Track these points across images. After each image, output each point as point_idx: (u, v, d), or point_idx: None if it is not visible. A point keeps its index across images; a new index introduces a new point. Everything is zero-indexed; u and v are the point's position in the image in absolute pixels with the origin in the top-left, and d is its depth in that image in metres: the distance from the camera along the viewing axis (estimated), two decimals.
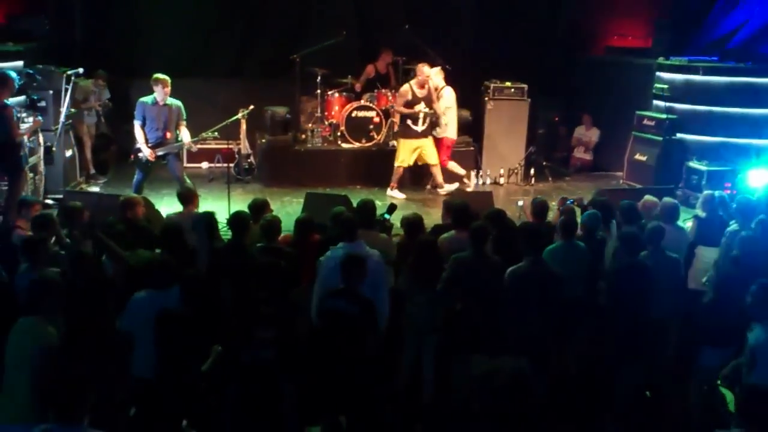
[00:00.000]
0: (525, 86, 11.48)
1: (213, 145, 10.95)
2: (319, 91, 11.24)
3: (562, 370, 5.77)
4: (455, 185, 10.52)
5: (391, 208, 7.13)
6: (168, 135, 8.71)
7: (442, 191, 10.37)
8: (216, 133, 9.11)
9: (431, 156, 10.33)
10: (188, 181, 8.85)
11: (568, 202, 7.68)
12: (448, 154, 10.68)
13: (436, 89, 10.46)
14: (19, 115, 8.47)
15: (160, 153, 8.67)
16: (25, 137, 8.36)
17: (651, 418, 5.88)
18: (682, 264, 6.44)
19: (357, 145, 11.06)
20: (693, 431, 5.86)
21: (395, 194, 10.24)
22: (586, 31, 13.38)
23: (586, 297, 6.04)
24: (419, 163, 10.46)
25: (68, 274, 5.25)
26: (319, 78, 11.16)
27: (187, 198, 7.09)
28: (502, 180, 11.37)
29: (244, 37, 12.77)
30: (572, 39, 13.26)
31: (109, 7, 12.37)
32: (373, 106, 11.02)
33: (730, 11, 11.69)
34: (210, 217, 6.45)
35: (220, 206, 8.78)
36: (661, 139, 10.86)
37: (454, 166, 10.76)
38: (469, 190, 10.51)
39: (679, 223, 6.95)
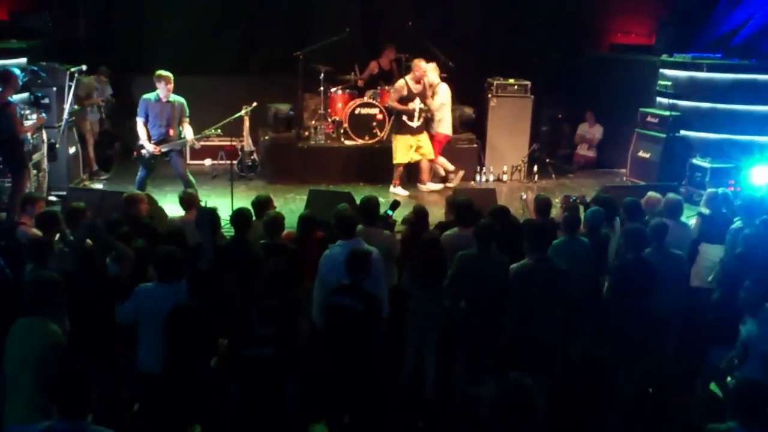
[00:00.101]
0: (528, 83, 11.46)
1: (216, 142, 10.94)
2: (322, 88, 11.23)
3: (566, 368, 5.77)
4: (440, 185, 10.51)
5: (394, 205, 7.13)
6: (171, 132, 8.70)
7: (423, 187, 10.44)
8: (219, 131, 9.10)
9: (429, 152, 10.33)
10: (191, 178, 8.85)
11: (571, 199, 7.68)
12: (440, 149, 10.66)
13: (431, 85, 10.44)
14: (22, 112, 8.49)
15: (163, 150, 8.68)
16: (29, 134, 8.37)
17: (654, 415, 5.88)
18: (686, 261, 6.44)
19: (360, 142, 11.06)
20: (697, 429, 5.86)
21: (398, 191, 10.23)
22: (590, 29, 13.37)
23: (589, 293, 6.04)
24: (416, 160, 10.44)
25: (74, 272, 5.26)
26: (322, 75, 11.15)
27: (189, 202, 7.10)
28: (505, 177, 11.36)
29: (247, 34, 12.79)
30: (576, 36, 13.23)
31: (113, 4, 12.40)
32: (377, 103, 11.01)
33: (733, 8, 11.65)
34: (213, 213, 6.47)
35: (223, 203, 8.78)
36: (664, 136, 10.83)
37: (443, 162, 10.75)
38: (472, 185, 10.53)
39: (683, 219, 6.94)
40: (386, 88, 11.17)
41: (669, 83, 11.19)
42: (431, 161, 10.48)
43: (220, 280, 5.60)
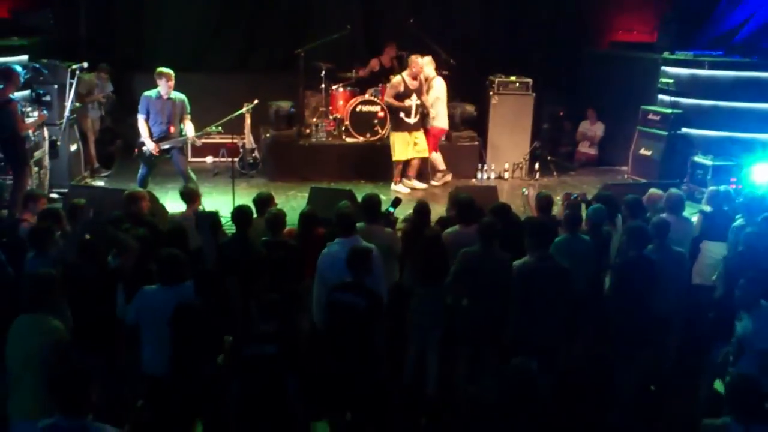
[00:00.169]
0: (530, 81, 11.44)
1: (217, 140, 10.92)
2: (323, 85, 11.23)
3: (569, 366, 5.77)
4: (424, 185, 10.44)
5: (396, 202, 7.13)
6: (172, 129, 8.69)
7: (407, 183, 10.40)
8: (220, 128, 9.09)
9: (423, 149, 10.31)
10: (193, 176, 8.85)
11: (573, 197, 7.67)
12: (436, 143, 10.64)
13: (426, 79, 10.42)
14: (24, 109, 8.49)
15: (165, 147, 8.67)
16: (30, 131, 8.37)
17: (656, 413, 5.88)
18: (688, 258, 6.44)
19: (361, 139, 11.05)
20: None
21: (400, 189, 10.23)
22: (592, 26, 13.35)
23: (590, 291, 6.03)
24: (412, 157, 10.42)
25: (75, 264, 5.27)
26: (323, 72, 11.15)
27: (190, 196, 7.09)
28: (506, 175, 11.35)
29: (248, 32, 12.77)
30: (577, 33, 13.22)
31: (114, 1, 12.39)
32: (378, 101, 10.99)
33: (735, 6, 11.64)
34: (214, 216, 6.48)
35: (225, 201, 8.79)
36: (666, 133, 10.82)
37: (437, 158, 10.73)
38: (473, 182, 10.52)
39: (685, 214, 6.93)
40: (387, 85, 11.15)
41: (671, 81, 11.17)
42: (422, 159, 10.42)
43: (223, 278, 5.61)
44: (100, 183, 10.24)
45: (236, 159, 10.37)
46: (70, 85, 9.45)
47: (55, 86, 9.47)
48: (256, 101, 10.04)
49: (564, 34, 13.20)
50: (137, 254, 5.60)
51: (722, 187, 7.50)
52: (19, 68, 8.24)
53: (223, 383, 4.98)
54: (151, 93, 8.66)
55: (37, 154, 8.82)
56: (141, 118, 8.65)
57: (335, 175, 10.74)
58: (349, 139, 11.09)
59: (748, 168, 9.51)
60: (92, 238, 5.60)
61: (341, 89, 11.34)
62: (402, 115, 10.16)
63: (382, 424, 5.57)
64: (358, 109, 11.01)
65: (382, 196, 6.75)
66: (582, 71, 12.90)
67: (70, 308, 4.81)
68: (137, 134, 8.77)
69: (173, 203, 8.21)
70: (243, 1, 12.55)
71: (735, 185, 9.23)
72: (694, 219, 7.24)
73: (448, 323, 5.83)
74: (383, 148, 10.71)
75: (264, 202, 6.71)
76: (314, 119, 11.33)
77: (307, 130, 11.30)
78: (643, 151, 11.17)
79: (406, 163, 10.48)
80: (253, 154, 11.16)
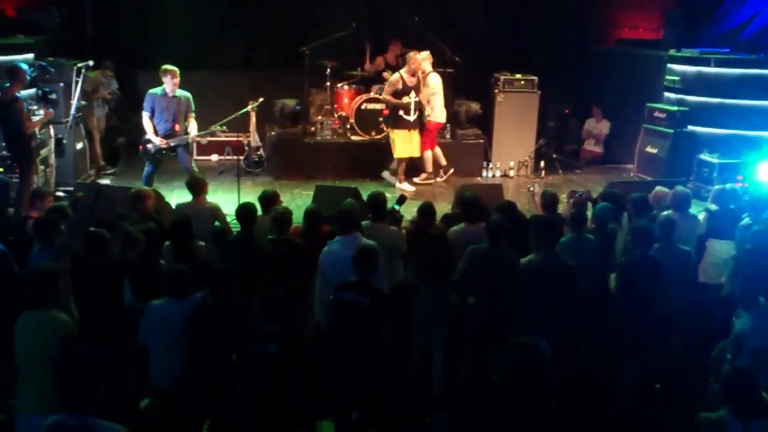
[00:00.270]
0: (535, 78, 11.42)
1: (223, 138, 10.93)
2: (328, 83, 11.24)
3: (575, 365, 5.76)
4: (412, 188, 10.29)
5: (401, 200, 7.13)
6: (177, 127, 8.71)
7: (392, 181, 10.37)
8: (224, 127, 9.09)
9: (415, 149, 10.23)
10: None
11: (577, 194, 7.66)
12: (434, 137, 10.58)
13: (423, 74, 10.38)
14: (30, 107, 8.51)
15: (171, 144, 8.69)
16: (36, 129, 8.39)
17: (661, 412, 5.87)
18: (694, 256, 6.42)
19: (367, 137, 11.05)
20: None
21: (405, 186, 10.22)
22: (597, 23, 13.31)
23: (596, 290, 6.02)
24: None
25: (81, 255, 5.29)
26: (328, 70, 11.15)
27: (197, 187, 7.06)
28: (511, 173, 11.33)
29: (253, 30, 12.77)
30: (583, 31, 13.19)
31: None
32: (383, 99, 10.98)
33: (741, 3, 11.61)
34: (220, 232, 6.50)
35: (230, 199, 8.79)
36: (672, 131, 10.80)
37: (438, 154, 10.69)
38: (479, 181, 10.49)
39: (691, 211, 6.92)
40: (385, 83, 11.12)
41: (677, 78, 11.14)
42: (407, 159, 10.32)
43: (228, 277, 5.61)
44: (106, 181, 10.26)
45: (241, 157, 10.37)
46: (76, 83, 9.47)
47: (61, 84, 9.49)
48: (261, 99, 10.05)
49: (569, 31, 13.15)
50: (143, 248, 5.61)
51: (728, 185, 7.48)
52: (25, 66, 8.26)
53: (232, 382, 4.99)
54: (156, 90, 8.68)
55: (43, 152, 8.84)
56: (146, 116, 8.67)
57: (340, 173, 10.74)
58: (354, 137, 11.09)
59: (755, 166, 9.48)
60: (99, 229, 5.61)
61: (346, 87, 11.34)
62: (401, 112, 10.14)
63: (388, 422, 5.57)
64: (363, 107, 11.01)
65: (387, 195, 6.76)
66: (587, 69, 12.86)
67: (76, 300, 4.82)
68: (142, 132, 8.79)
69: (179, 201, 8.19)
70: None
71: (741, 183, 9.19)
72: (701, 217, 7.22)
73: (454, 321, 5.82)
74: (388, 146, 10.70)
75: (269, 200, 6.72)
76: (319, 117, 11.34)
77: (312, 128, 11.30)
78: (648, 149, 11.15)
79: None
80: (258, 152, 11.17)
